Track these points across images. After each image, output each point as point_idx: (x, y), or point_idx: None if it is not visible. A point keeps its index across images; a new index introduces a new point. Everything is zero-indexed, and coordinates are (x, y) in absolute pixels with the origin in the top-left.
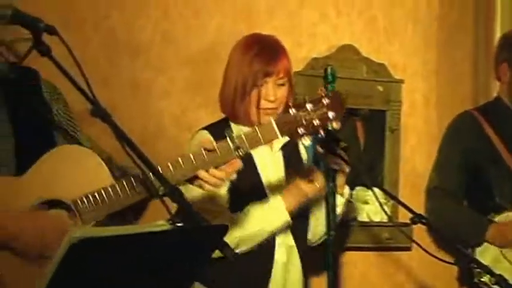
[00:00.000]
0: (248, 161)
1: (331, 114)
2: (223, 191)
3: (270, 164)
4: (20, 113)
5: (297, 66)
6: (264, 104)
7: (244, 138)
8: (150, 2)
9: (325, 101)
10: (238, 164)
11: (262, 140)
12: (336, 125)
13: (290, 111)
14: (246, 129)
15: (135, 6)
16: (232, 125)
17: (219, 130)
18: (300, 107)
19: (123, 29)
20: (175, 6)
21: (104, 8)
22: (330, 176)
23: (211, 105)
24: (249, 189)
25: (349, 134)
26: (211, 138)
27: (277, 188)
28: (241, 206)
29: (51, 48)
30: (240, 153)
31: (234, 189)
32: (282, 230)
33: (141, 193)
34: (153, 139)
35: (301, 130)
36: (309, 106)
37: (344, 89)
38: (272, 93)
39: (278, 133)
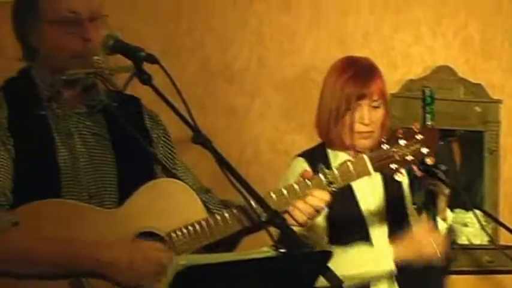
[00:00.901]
0: (346, 189)
1: (425, 150)
2: (321, 219)
3: (368, 191)
4: (122, 142)
5: (392, 88)
6: (358, 127)
7: (337, 174)
8: (244, 27)
9: (419, 136)
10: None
11: (355, 176)
12: (430, 161)
13: (383, 146)
14: (342, 154)
15: (230, 32)
16: (329, 151)
17: (315, 156)
18: (393, 142)
19: (218, 54)
20: (270, 31)
21: (200, 34)
22: (430, 200)
23: (307, 130)
24: (348, 220)
25: (445, 155)
26: (308, 168)
27: (377, 217)
28: (340, 237)
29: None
30: (333, 189)
31: (332, 218)
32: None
33: (235, 225)
34: (249, 164)
35: (394, 166)
36: (402, 142)
37: (441, 111)
38: (367, 116)
39: (371, 169)
